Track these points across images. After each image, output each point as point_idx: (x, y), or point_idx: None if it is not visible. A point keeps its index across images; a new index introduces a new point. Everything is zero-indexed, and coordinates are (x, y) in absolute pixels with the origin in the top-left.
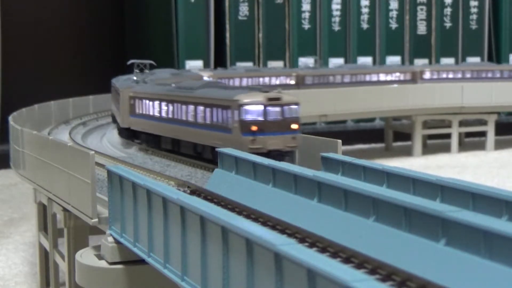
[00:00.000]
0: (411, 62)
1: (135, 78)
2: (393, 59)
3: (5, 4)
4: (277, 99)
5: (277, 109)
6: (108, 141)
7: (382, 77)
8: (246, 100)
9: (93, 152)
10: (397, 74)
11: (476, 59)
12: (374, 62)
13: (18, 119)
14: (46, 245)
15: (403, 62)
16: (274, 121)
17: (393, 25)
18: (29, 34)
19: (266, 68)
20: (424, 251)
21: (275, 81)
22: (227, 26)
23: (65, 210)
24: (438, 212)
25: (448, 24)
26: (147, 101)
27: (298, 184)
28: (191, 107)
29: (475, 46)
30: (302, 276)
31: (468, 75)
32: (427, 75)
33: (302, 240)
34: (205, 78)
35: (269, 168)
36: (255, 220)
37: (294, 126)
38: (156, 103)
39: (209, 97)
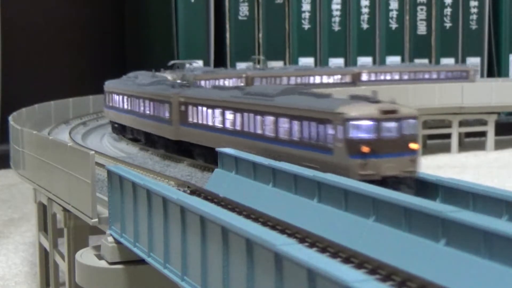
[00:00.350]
0: (411, 62)
1: (179, 81)
2: (393, 59)
3: (5, 4)
4: (393, 111)
5: (394, 124)
6: (108, 141)
7: (325, 79)
8: (354, 114)
9: (93, 152)
10: (339, 76)
11: (477, 59)
12: (374, 62)
13: (18, 119)
14: (46, 245)
15: (403, 62)
16: (389, 139)
17: (393, 25)
18: (29, 34)
19: (222, 69)
20: (424, 251)
21: (227, 82)
22: (227, 26)
23: (65, 210)
24: (438, 212)
25: (448, 24)
26: (205, 109)
27: (298, 184)
28: (270, 119)
29: (475, 46)
30: (302, 276)
31: (405, 77)
32: (364, 77)
33: (302, 240)
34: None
35: (269, 168)
36: (255, 220)
37: (413, 146)
38: (218, 111)
39: (299, 108)
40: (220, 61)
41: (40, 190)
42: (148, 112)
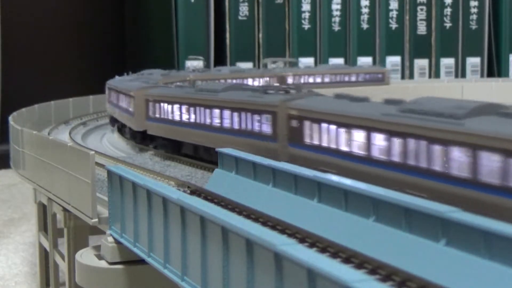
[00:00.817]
0: (411, 62)
1: (276, 84)
2: (393, 59)
3: (5, 4)
4: None
5: None
6: (108, 141)
7: (256, 82)
8: None
9: (93, 152)
10: (267, 78)
11: (476, 59)
12: (374, 62)
13: (18, 119)
14: (46, 245)
15: (403, 62)
16: None
17: (393, 25)
18: (29, 34)
19: (170, 72)
20: (424, 251)
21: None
22: (227, 26)
23: (65, 210)
24: (438, 212)
25: (448, 24)
26: (335, 128)
27: (298, 184)
28: (458, 151)
29: (475, 46)
30: (302, 276)
31: (326, 79)
32: (289, 80)
33: (302, 240)
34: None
35: (269, 168)
36: (255, 220)
37: None
38: (360, 133)
39: None
40: (220, 61)
41: (40, 190)
42: (228, 125)
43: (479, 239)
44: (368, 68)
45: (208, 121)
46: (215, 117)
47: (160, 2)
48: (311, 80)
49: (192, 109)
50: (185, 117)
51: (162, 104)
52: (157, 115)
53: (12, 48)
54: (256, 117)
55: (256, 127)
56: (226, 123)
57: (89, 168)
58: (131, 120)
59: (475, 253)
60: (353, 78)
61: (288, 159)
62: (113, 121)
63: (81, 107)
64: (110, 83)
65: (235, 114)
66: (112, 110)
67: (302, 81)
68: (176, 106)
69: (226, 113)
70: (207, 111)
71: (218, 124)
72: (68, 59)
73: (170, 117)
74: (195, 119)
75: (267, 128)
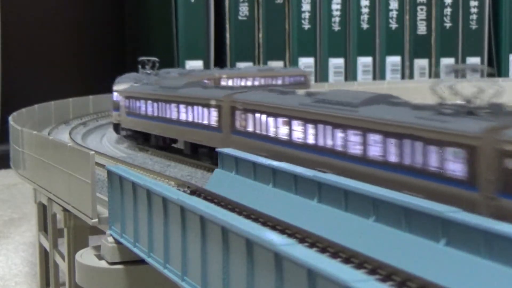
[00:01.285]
0: (411, 62)
1: (462, 101)
2: (393, 59)
3: (5, 4)
4: None
5: None
6: (108, 141)
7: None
8: None
9: (93, 152)
10: (206, 80)
11: (476, 59)
12: (374, 62)
13: (18, 119)
14: (46, 245)
15: (403, 62)
16: None
17: (393, 25)
18: (29, 35)
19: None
20: (424, 251)
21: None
22: (227, 26)
23: (65, 210)
24: (438, 212)
25: (448, 24)
26: None
27: (298, 184)
28: None
29: (475, 46)
30: (302, 276)
31: (256, 82)
32: (223, 82)
33: (302, 240)
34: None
35: (269, 168)
36: (255, 220)
37: None
38: None
39: None
40: (220, 61)
41: (40, 190)
42: (379, 155)
43: (479, 239)
44: (291, 71)
45: (338, 145)
46: (354, 142)
47: (160, 2)
48: (242, 83)
49: (310, 126)
50: (297, 135)
51: (258, 115)
52: (250, 129)
53: (12, 48)
54: (435, 150)
55: (434, 164)
56: (375, 152)
57: (89, 168)
58: (212, 137)
59: (475, 253)
60: (279, 81)
61: (494, 214)
62: (140, 137)
63: (81, 107)
64: (135, 90)
65: (393, 141)
66: (144, 125)
67: (234, 83)
68: (282, 120)
69: (375, 138)
70: (337, 131)
71: (359, 152)
72: (68, 59)
73: (272, 134)
74: (316, 140)
75: (457, 168)
